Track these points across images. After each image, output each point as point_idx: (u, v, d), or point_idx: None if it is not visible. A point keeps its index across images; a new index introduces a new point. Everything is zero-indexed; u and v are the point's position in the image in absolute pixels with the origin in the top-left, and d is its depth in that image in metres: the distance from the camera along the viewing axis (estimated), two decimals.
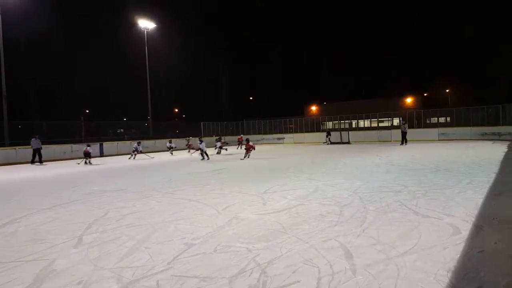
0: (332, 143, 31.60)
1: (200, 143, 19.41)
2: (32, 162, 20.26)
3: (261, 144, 36.66)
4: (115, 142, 27.53)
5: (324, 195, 7.52)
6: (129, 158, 21.64)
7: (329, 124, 45.06)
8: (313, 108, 59.65)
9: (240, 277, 3.48)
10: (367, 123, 43.87)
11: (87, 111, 56.10)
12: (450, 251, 3.98)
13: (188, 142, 26.92)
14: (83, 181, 11.83)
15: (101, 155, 24.92)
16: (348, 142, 31.56)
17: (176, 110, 67.90)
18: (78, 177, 13.26)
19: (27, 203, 7.93)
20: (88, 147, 19.92)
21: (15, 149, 21.87)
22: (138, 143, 22.12)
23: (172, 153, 24.45)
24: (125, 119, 46.26)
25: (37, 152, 20.21)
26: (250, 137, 39.51)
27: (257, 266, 3.75)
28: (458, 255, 3.85)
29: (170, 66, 50.01)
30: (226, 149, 24.49)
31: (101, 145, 23.93)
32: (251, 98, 62.51)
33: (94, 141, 26.07)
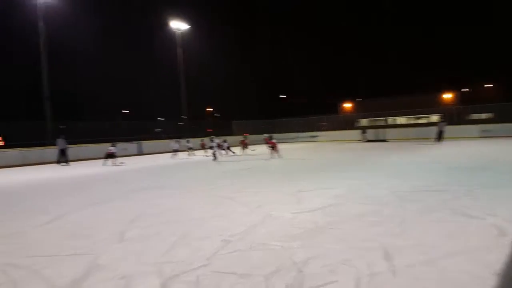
0: (368, 140, 30.93)
1: (212, 142, 18.75)
2: (58, 162, 20.05)
3: (294, 142, 36.49)
4: (153, 141, 28.34)
5: (361, 195, 7.38)
6: (189, 155, 22.25)
7: (364, 122, 44.10)
8: (347, 105, 58.61)
9: (276, 275, 3.50)
10: (404, 120, 42.55)
11: (126, 111, 58.06)
12: (496, 253, 3.80)
13: (202, 141, 26.40)
14: (123, 179, 12.28)
15: (140, 153, 25.69)
16: (385, 140, 30.77)
17: (209, 109, 68.82)
18: (118, 175, 13.78)
19: (71, 200, 8.34)
20: (112, 147, 18.78)
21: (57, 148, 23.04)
22: (187, 141, 22.41)
23: (190, 154, 22.79)
24: (161, 118, 47.44)
25: (63, 152, 20.01)
26: (282, 135, 39.51)
27: (293, 264, 3.75)
28: (505, 257, 3.67)
29: (203, 65, 50.74)
30: (223, 150, 21.71)
31: (139, 144, 24.64)
32: (284, 96, 62.29)
33: (133, 140, 26.93)
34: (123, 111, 57.77)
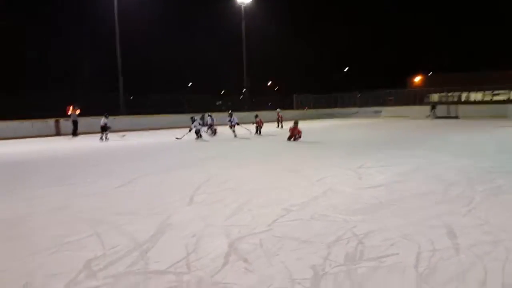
0: (438, 117, 29.12)
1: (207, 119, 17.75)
2: (74, 134, 19.77)
3: (356, 118, 35.47)
4: (215, 113, 29.22)
5: (427, 173, 7.14)
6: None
7: (435, 97, 41.30)
8: (417, 79, 55.08)
9: (337, 244, 3.62)
10: (479, 96, 39.16)
11: (190, 84, 60.07)
12: None
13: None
14: (189, 149, 12.98)
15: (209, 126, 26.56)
16: (456, 117, 28.77)
17: (270, 83, 68.66)
18: (183, 145, 14.56)
19: (142, 166, 9.06)
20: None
21: (130, 117, 24.73)
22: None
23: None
24: (222, 92, 48.52)
25: (74, 124, 19.87)
26: (343, 110, 38.45)
27: (354, 236, 3.84)
28: None
29: (266, 38, 50.43)
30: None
31: (202, 116, 25.51)
32: (346, 68, 60.02)
33: (197, 112, 27.99)
34: (188, 84, 59.84)
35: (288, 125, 15.86)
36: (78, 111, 20.24)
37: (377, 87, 39.56)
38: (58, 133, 20.74)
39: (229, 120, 17.60)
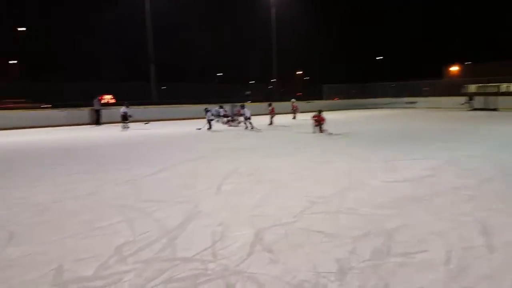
0: (475, 109, 27.85)
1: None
2: (97, 123, 20.17)
3: (389, 108, 34.51)
4: (243, 103, 29.29)
5: (461, 167, 6.88)
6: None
7: (472, 88, 39.47)
8: (453, 68, 52.84)
9: (364, 239, 3.56)
10: None
11: (220, 74, 60.42)
12: None
13: (293, 102, 24.24)
14: (218, 139, 13.11)
15: (233, 114, 26.71)
16: (495, 109, 27.39)
17: (299, 72, 67.81)
18: (212, 135, 14.71)
19: (173, 155, 9.24)
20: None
21: (160, 107, 25.18)
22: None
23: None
24: (250, 82, 48.48)
25: (97, 113, 20.35)
26: (375, 101, 37.48)
27: (382, 231, 3.77)
28: None
29: (295, 27, 49.75)
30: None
31: (232, 106, 25.59)
32: (380, 57, 58.30)
33: (225, 102, 28.13)
34: (218, 74, 60.20)
35: (303, 116, 15.61)
36: (105, 100, 20.86)
37: (411, 77, 38.29)
38: (93, 122, 21.46)
39: (242, 113, 17.05)
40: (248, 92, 40.32)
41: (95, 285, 2.78)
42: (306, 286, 2.71)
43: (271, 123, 18.21)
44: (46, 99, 21.83)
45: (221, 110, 19.53)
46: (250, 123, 16.21)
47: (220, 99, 28.18)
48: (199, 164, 7.85)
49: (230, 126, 18.14)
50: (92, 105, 20.60)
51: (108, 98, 29.05)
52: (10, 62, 44.34)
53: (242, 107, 17.11)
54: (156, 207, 4.71)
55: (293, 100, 24.60)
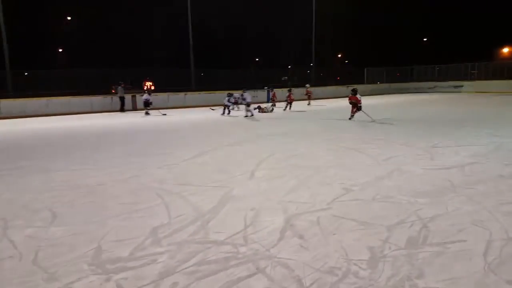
0: None
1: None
2: (121, 110, 20.18)
3: (433, 93, 32.95)
4: (280, 89, 29.08)
5: (508, 155, 6.48)
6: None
7: None
8: (505, 50, 49.24)
9: (399, 227, 3.47)
10: None
11: (257, 59, 60.17)
12: None
13: (307, 88, 23.67)
14: (253, 125, 13.15)
15: (268, 101, 26.70)
16: None
17: (340, 55, 66.02)
18: (247, 121, 14.77)
19: (212, 140, 9.39)
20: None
21: (199, 93, 25.56)
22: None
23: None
24: (289, 66, 47.87)
25: (122, 100, 20.21)
26: (419, 84, 35.86)
27: (418, 219, 3.65)
28: None
29: (336, 9, 48.26)
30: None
31: (268, 92, 25.49)
32: (425, 39, 55.39)
33: (261, 87, 28.02)
34: (255, 59, 59.99)
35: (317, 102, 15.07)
36: (126, 87, 21.07)
37: (457, 60, 36.13)
38: (134, 108, 22.11)
39: (243, 99, 16.61)
40: (285, 77, 39.93)
41: (130, 266, 2.91)
42: (337, 273, 2.69)
43: (285, 109, 18.39)
44: (88, 86, 22.56)
45: (242, 95, 18.85)
46: (249, 110, 15.88)
47: (257, 84, 28.15)
48: (236, 149, 7.94)
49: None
50: (116, 92, 20.68)
51: (149, 84, 29.89)
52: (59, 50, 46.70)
53: (244, 92, 16.85)
54: (192, 191, 4.84)
55: (307, 85, 24.01)
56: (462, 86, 33.19)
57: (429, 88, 35.05)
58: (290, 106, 18.66)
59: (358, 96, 12.85)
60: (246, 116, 15.75)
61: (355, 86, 13.76)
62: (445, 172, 5.43)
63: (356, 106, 12.76)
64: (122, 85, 20.49)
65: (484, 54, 43.58)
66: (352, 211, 3.97)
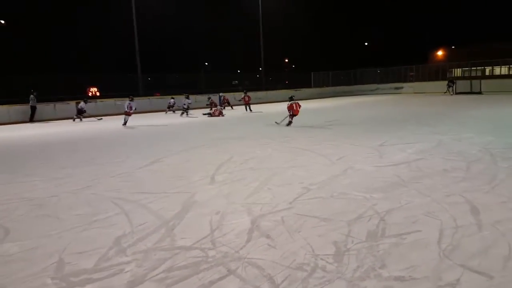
0: (459, 93, 28.28)
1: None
2: (31, 120, 18.95)
3: (375, 95, 34.81)
4: (232, 93, 29.18)
5: (449, 150, 7.04)
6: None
7: (458, 71, 39.93)
8: (439, 53, 53.30)
9: (358, 222, 3.66)
10: (504, 70, 37.66)
11: (206, 63, 59.89)
12: None
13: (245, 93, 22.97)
14: (207, 129, 13.09)
15: (220, 105, 26.67)
16: (480, 92, 27.85)
17: (286, 60, 67.63)
18: (202, 125, 14.68)
19: (164, 146, 9.21)
20: (82, 102, 18.81)
21: (149, 98, 24.89)
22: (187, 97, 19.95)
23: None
24: (238, 71, 48.19)
25: (33, 110, 19.07)
26: (362, 87, 37.74)
27: (375, 213, 3.87)
28: None
29: (281, 14, 49.46)
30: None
31: (220, 97, 25.48)
32: (366, 44, 58.47)
33: (214, 92, 27.98)
34: (205, 63, 59.66)
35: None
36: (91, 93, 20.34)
37: (397, 63, 38.56)
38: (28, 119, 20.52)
39: (184, 104, 18.69)
40: (235, 82, 40.10)
41: (96, 277, 2.81)
42: (306, 269, 2.79)
43: (247, 110, 19.90)
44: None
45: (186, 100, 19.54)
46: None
47: (208, 90, 28.02)
48: (192, 154, 7.86)
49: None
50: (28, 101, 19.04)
51: (94, 90, 28.65)
52: None
53: (187, 97, 18.94)
54: (152, 198, 4.73)
55: (245, 91, 24.37)
56: (402, 87, 35.44)
57: (372, 90, 36.98)
58: (250, 108, 20.09)
59: (293, 103, 12.50)
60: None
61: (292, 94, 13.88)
62: (394, 169, 5.79)
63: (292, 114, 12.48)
64: (35, 94, 19.02)
65: (420, 57, 46.88)
66: (313, 208, 4.11)
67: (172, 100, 21.73)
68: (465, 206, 3.98)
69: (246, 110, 19.92)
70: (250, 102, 20.62)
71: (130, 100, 15.90)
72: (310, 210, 4.05)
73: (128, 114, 15.55)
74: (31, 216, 4.27)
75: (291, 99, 12.74)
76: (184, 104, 19.12)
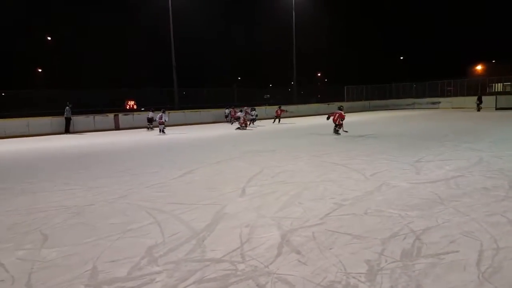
0: (500, 108, 27.01)
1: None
2: (66, 131, 19.80)
3: (411, 109, 33.89)
4: (263, 107, 29.36)
5: (490, 167, 6.71)
6: (273, 122, 22.54)
7: (499, 86, 38.24)
8: (479, 67, 51.38)
9: (393, 240, 3.54)
10: None
11: (239, 78, 60.82)
12: None
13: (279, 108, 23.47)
14: (240, 141, 13.20)
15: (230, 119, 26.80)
16: None
17: (319, 74, 67.44)
18: (234, 137, 14.82)
19: (199, 157, 9.37)
20: (151, 112, 19.67)
21: (183, 112, 25.52)
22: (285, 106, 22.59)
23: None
24: (270, 85, 48.54)
25: (68, 121, 19.93)
26: (398, 101, 36.85)
27: (411, 232, 3.73)
28: None
29: (315, 28, 49.58)
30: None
31: (252, 109, 25.66)
32: (401, 58, 57.34)
33: (245, 105, 28.27)
34: (238, 78, 60.63)
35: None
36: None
37: (435, 77, 37.46)
38: (117, 127, 21.93)
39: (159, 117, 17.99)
40: (267, 96, 40.37)
41: (128, 286, 2.86)
42: (337, 287, 2.71)
43: (275, 122, 21.38)
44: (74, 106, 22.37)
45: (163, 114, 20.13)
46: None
47: (240, 103, 28.33)
48: (225, 166, 7.93)
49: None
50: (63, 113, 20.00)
51: (131, 103, 29.74)
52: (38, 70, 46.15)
53: (164, 111, 18.02)
54: (185, 209, 4.80)
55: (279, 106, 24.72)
56: (439, 102, 34.33)
57: (408, 104, 36.06)
58: (279, 120, 21.52)
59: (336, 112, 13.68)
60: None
61: (341, 104, 14.92)
62: (431, 186, 5.57)
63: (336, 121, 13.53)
64: (70, 106, 20.00)
65: (459, 71, 45.38)
66: (346, 225, 4.02)
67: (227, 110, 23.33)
68: (507, 226, 3.76)
69: (274, 122, 20.94)
70: (282, 115, 22.18)
71: (163, 112, 17.82)
72: (342, 227, 3.96)
73: (161, 123, 17.41)
74: (69, 224, 4.44)
75: (339, 108, 13.80)
76: (252, 115, 20.98)
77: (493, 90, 36.83)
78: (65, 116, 20.01)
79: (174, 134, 17.58)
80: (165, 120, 17.90)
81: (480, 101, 27.26)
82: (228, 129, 19.05)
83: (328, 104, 32.14)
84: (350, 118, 23.46)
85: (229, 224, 4.18)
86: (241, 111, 19.80)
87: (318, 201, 4.99)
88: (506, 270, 2.86)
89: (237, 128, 18.64)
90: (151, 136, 16.62)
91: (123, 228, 4.16)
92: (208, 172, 7.45)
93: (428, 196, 5.02)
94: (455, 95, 34.87)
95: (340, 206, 4.74)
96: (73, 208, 5.10)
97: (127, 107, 22.17)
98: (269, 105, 31.27)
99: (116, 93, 27.44)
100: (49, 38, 42.01)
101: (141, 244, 3.66)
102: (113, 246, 3.66)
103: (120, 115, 22.31)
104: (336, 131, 13.67)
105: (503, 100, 28.04)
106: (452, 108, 32.20)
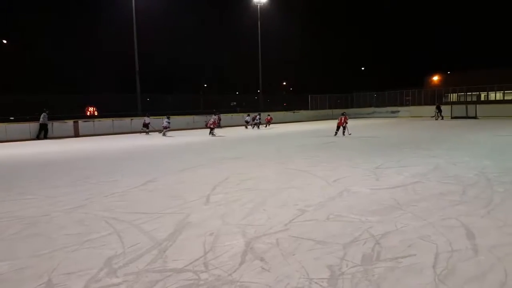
0: (455, 117, 28.57)
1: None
2: (37, 137, 19.38)
3: (371, 118, 35.09)
4: (230, 114, 29.34)
5: (446, 174, 7.04)
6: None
7: (454, 96, 40.48)
8: (435, 78, 54.15)
9: (354, 245, 3.61)
10: (499, 95, 38.13)
11: (205, 85, 60.51)
12: None
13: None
14: (205, 149, 13.09)
15: (219, 126, 26.72)
16: (475, 117, 28.15)
17: (284, 83, 68.51)
18: (200, 145, 14.68)
19: (161, 166, 9.18)
20: (147, 118, 21.20)
21: (144, 118, 24.96)
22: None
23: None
24: (237, 92, 48.66)
25: (43, 129, 19.62)
26: (359, 110, 38.07)
27: (371, 237, 3.82)
28: None
29: (279, 38, 50.40)
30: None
31: (219, 117, 25.57)
32: (362, 68, 59.44)
33: (210, 113, 28.14)
34: (204, 85, 60.29)
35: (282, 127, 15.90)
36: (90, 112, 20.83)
37: (393, 87, 39.11)
38: (76, 134, 21.13)
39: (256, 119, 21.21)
40: (233, 103, 40.41)
41: None
42: None
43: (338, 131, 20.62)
44: (24, 113, 21.31)
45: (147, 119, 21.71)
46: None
47: (206, 110, 28.15)
48: (188, 174, 7.82)
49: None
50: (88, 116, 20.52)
51: (92, 109, 28.74)
52: None
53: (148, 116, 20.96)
54: (146, 219, 4.67)
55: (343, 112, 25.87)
56: (398, 111, 35.79)
57: (368, 113, 37.32)
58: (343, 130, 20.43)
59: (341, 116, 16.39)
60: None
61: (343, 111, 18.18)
62: (391, 191, 5.77)
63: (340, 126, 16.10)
64: (47, 112, 19.58)
65: (417, 81, 47.61)
66: (309, 231, 4.06)
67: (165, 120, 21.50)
68: (461, 230, 3.95)
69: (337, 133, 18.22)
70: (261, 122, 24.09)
71: (167, 118, 20.31)
72: (305, 233, 4.00)
73: (165, 128, 19.77)
74: (22, 235, 4.20)
75: (342, 114, 16.56)
76: (256, 120, 22.59)
77: (449, 100, 38.91)
78: (40, 122, 19.46)
79: (135, 141, 17.16)
80: (168, 125, 19.93)
81: (439, 110, 28.66)
82: (196, 136, 18.84)
83: (294, 112, 32.65)
84: (313, 126, 23.96)
85: (192, 233, 4.11)
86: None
87: (282, 208, 5.02)
88: (460, 271, 3.00)
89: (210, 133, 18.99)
90: (112, 144, 16.11)
91: (81, 239, 3.99)
92: (172, 180, 7.32)
93: (387, 201, 5.19)
94: (413, 104, 36.52)
95: (304, 212, 4.79)
96: (27, 219, 4.83)
97: (88, 114, 21.39)
98: (237, 112, 31.26)
99: (72, 99, 26.39)
100: (4, 42, 39.96)
101: (100, 255, 3.51)
102: (70, 258, 3.50)
103: (80, 121, 21.50)
104: (336, 134, 15.99)
105: (458, 109, 29.66)
106: (411, 116, 33.67)
